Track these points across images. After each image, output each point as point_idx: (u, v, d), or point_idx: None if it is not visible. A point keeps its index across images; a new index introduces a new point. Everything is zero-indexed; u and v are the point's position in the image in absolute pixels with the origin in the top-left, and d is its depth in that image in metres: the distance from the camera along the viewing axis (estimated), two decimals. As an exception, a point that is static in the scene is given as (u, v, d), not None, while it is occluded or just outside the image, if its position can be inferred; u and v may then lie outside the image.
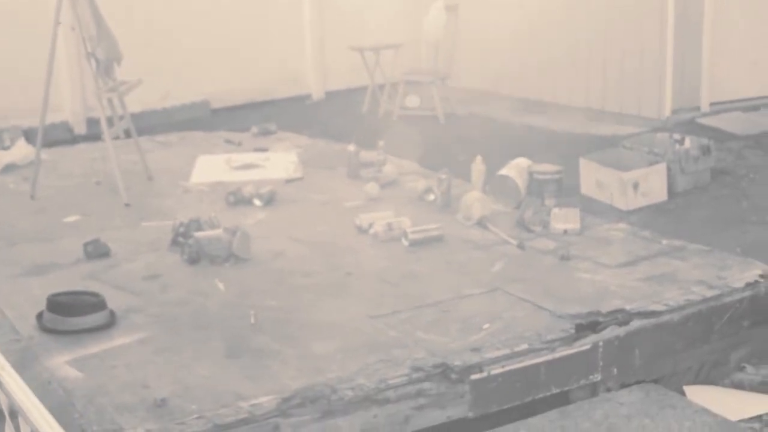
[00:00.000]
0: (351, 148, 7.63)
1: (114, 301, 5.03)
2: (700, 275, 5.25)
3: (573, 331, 4.60)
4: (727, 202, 6.97)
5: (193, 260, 5.71)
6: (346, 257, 5.79)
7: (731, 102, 9.81)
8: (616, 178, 6.87)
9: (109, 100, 7.58)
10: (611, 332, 4.62)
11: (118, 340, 4.69)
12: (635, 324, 4.69)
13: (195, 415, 3.92)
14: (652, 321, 4.73)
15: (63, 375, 4.31)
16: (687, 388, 4.80)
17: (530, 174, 6.83)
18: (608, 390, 4.62)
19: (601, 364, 4.57)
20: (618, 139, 8.05)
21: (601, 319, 4.70)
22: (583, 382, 4.56)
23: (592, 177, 7.08)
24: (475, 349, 4.43)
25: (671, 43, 9.41)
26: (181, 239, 5.90)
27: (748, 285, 5.08)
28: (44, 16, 7.36)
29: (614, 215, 6.58)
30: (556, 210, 6.28)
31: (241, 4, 11.00)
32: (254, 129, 9.40)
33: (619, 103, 9.79)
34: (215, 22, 10.71)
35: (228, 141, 9.06)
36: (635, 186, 6.82)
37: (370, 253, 5.86)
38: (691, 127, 8.99)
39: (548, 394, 4.47)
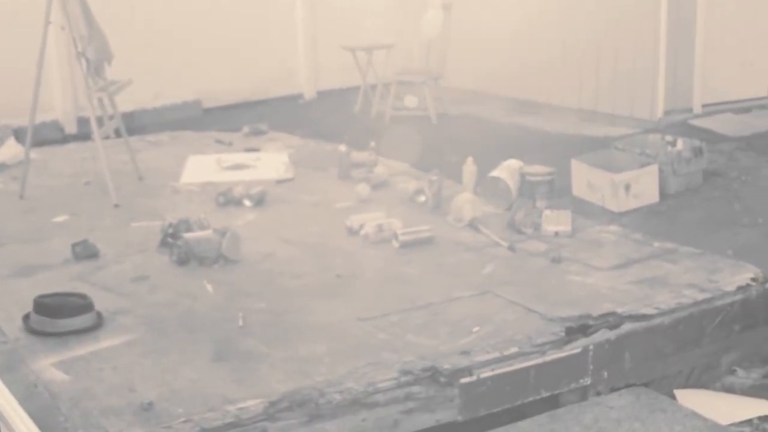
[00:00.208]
0: (342, 148, 7.61)
1: (102, 302, 4.99)
2: (692, 278, 5.23)
3: (563, 334, 4.58)
4: (718, 204, 6.96)
5: (182, 261, 5.68)
6: (336, 259, 5.77)
7: (723, 103, 9.81)
8: (608, 179, 6.85)
9: (100, 100, 7.54)
10: (602, 336, 4.60)
11: (105, 342, 4.66)
12: (626, 327, 4.67)
13: (182, 419, 3.89)
14: (643, 324, 4.72)
15: (49, 378, 4.28)
16: (678, 392, 4.78)
17: (522, 175, 6.81)
18: (598, 394, 4.60)
19: (591, 367, 4.55)
20: (610, 141, 8.03)
21: (591, 322, 4.68)
22: (573, 385, 4.53)
23: (584, 178, 7.06)
24: (465, 353, 4.41)
25: (664, 45, 9.40)
26: (170, 240, 5.86)
27: (740, 288, 5.07)
28: (34, 16, 7.31)
29: (606, 217, 6.55)
30: (547, 212, 6.26)
31: (233, 3, 10.96)
32: (245, 129, 9.37)
33: (612, 104, 9.77)
34: (207, 22, 10.67)
35: (219, 141, 9.02)
36: (627, 188, 6.80)
37: (361, 255, 5.83)
38: (683, 128, 8.98)
39: (538, 397, 4.45)
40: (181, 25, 10.45)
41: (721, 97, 9.80)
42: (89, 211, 6.86)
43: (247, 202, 6.85)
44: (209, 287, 5.33)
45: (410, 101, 10.09)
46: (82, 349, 4.58)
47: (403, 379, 4.18)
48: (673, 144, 7.29)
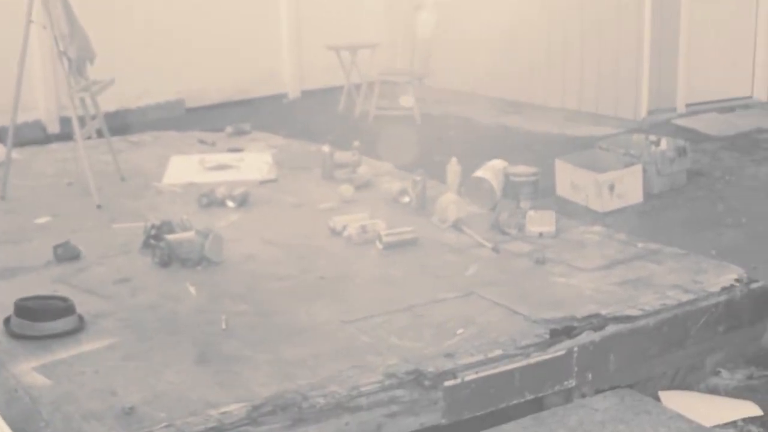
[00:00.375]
0: (326, 148, 7.58)
1: (83, 305, 4.95)
2: (676, 279, 5.22)
3: (548, 336, 4.57)
4: (702, 204, 6.97)
5: (165, 263, 5.64)
6: (319, 260, 5.74)
7: (707, 103, 9.85)
8: (592, 179, 6.85)
9: (82, 100, 7.50)
10: (586, 337, 4.58)
11: (86, 345, 4.61)
12: (610, 329, 4.66)
13: (164, 424, 3.85)
14: (628, 326, 4.70)
15: (30, 382, 4.23)
16: (662, 394, 4.78)
17: (506, 176, 6.79)
18: (583, 396, 4.59)
19: (575, 369, 4.54)
20: (594, 140, 8.04)
21: (576, 324, 4.66)
22: (557, 387, 4.52)
23: (568, 178, 7.06)
24: (449, 355, 4.38)
25: (648, 44, 9.42)
26: (152, 242, 5.82)
27: (724, 289, 5.06)
28: (16, 15, 7.27)
29: (590, 217, 6.55)
30: (531, 212, 6.24)
31: (217, 2, 10.94)
32: (229, 129, 9.33)
33: (596, 103, 9.79)
34: (191, 21, 10.65)
35: (202, 141, 8.98)
36: (611, 188, 6.81)
37: (344, 257, 5.81)
38: (667, 128, 9.01)
39: (522, 400, 4.43)
40: (164, 24, 10.43)
41: (705, 97, 9.84)
42: (71, 212, 6.81)
43: (230, 203, 6.81)
44: (192, 289, 5.30)
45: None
46: (64, 352, 4.53)
47: (387, 382, 4.16)
48: (657, 144, 7.31)
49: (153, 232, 5.90)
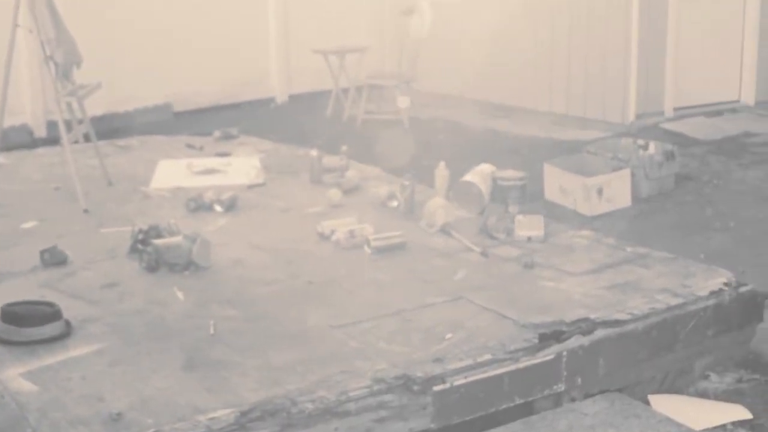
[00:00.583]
0: (314, 153, 7.56)
1: (70, 310, 4.92)
2: (665, 283, 5.22)
3: (537, 340, 4.56)
4: (691, 208, 6.98)
5: (152, 268, 5.61)
6: (307, 265, 5.72)
7: (695, 107, 9.86)
8: (580, 183, 6.85)
9: (68, 104, 7.47)
10: (575, 342, 4.58)
11: (74, 351, 4.59)
12: (599, 333, 4.65)
13: (151, 430, 3.83)
14: (617, 330, 4.70)
15: (16, 388, 4.20)
16: (651, 398, 4.77)
17: (494, 180, 6.79)
18: (572, 400, 4.58)
19: (565, 373, 4.53)
20: (582, 144, 8.05)
21: (565, 328, 4.66)
22: (547, 392, 4.51)
23: (556, 182, 7.06)
24: (438, 360, 4.37)
25: (635, 48, 9.44)
26: (140, 246, 5.80)
27: (713, 293, 5.06)
28: (2, 19, 7.23)
29: (578, 221, 6.55)
30: (520, 217, 6.24)
31: (205, 6, 10.91)
32: (216, 133, 9.31)
33: (584, 107, 9.80)
34: (178, 25, 10.62)
35: (189, 145, 8.96)
36: (599, 191, 6.81)
37: (332, 261, 5.79)
38: (655, 132, 9.02)
39: (512, 404, 4.42)
40: (152, 28, 10.40)
41: (693, 101, 9.86)
42: (58, 217, 6.78)
43: (217, 208, 6.79)
44: (180, 294, 5.28)
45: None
46: (51, 358, 4.50)
47: (376, 387, 4.14)
48: (645, 148, 7.31)
49: (140, 236, 5.87)
